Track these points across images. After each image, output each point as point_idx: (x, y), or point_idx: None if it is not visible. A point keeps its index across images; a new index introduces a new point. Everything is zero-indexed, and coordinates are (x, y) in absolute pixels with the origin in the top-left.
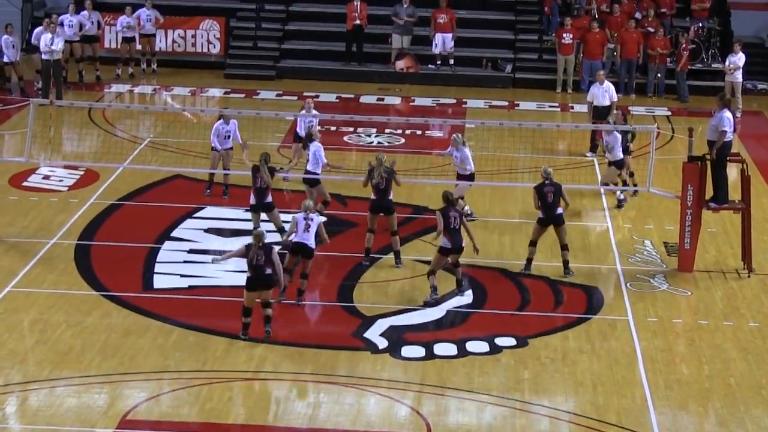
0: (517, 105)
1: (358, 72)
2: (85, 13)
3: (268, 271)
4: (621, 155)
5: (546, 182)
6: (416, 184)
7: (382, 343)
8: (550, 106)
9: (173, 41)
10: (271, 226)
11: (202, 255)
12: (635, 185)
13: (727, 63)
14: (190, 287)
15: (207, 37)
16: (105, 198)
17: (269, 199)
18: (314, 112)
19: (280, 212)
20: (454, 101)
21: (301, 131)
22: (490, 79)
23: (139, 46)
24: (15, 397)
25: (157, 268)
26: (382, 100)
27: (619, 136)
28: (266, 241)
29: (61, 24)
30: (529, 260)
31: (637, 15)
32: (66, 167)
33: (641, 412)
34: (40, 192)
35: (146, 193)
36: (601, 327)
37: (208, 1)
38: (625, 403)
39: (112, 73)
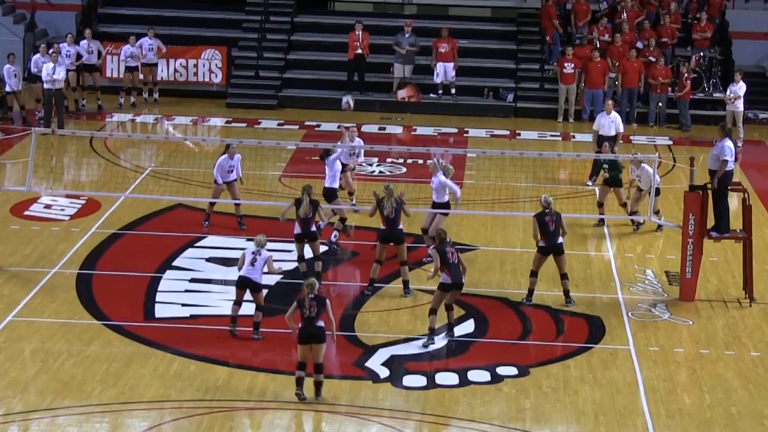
0: (519, 134)
1: (359, 101)
2: (84, 42)
3: (319, 323)
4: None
5: (546, 211)
6: (417, 213)
7: (384, 373)
8: (551, 135)
9: (175, 70)
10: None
11: (204, 284)
12: (634, 215)
13: (728, 92)
14: (192, 316)
15: (209, 66)
16: (106, 227)
17: (313, 228)
18: (358, 141)
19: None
20: (455, 130)
21: (345, 159)
22: (491, 109)
23: (141, 76)
24: (16, 427)
25: (159, 297)
26: (384, 129)
27: (649, 168)
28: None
29: (59, 53)
30: (531, 291)
31: (639, 44)
32: (67, 196)
33: None
34: (41, 221)
35: (148, 222)
36: (603, 356)
37: (210, 30)
38: None
39: (114, 102)
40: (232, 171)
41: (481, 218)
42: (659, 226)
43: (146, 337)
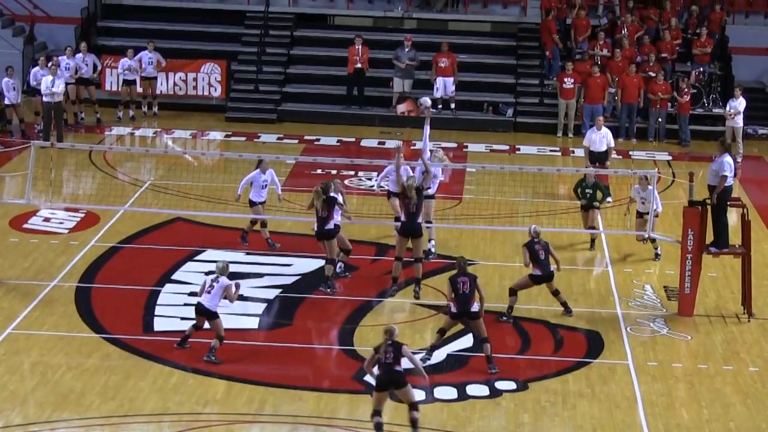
0: (518, 149)
1: (359, 115)
2: (79, 56)
3: (398, 368)
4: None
5: (535, 240)
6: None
7: None
8: (551, 151)
9: (174, 84)
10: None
11: None
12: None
13: (727, 108)
14: None
15: (208, 80)
16: (105, 240)
17: (330, 226)
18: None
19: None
20: (455, 145)
21: (393, 187)
22: (491, 123)
23: (140, 89)
24: None
25: (158, 310)
26: (383, 143)
27: (657, 194)
28: (396, 336)
29: (59, 66)
30: (511, 308)
31: (638, 59)
32: (67, 209)
33: None
34: (40, 234)
35: (147, 235)
36: (601, 371)
37: (209, 44)
38: None
39: (113, 115)
40: (265, 186)
41: (481, 233)
42: (657, 255)
43: (145, 350)
